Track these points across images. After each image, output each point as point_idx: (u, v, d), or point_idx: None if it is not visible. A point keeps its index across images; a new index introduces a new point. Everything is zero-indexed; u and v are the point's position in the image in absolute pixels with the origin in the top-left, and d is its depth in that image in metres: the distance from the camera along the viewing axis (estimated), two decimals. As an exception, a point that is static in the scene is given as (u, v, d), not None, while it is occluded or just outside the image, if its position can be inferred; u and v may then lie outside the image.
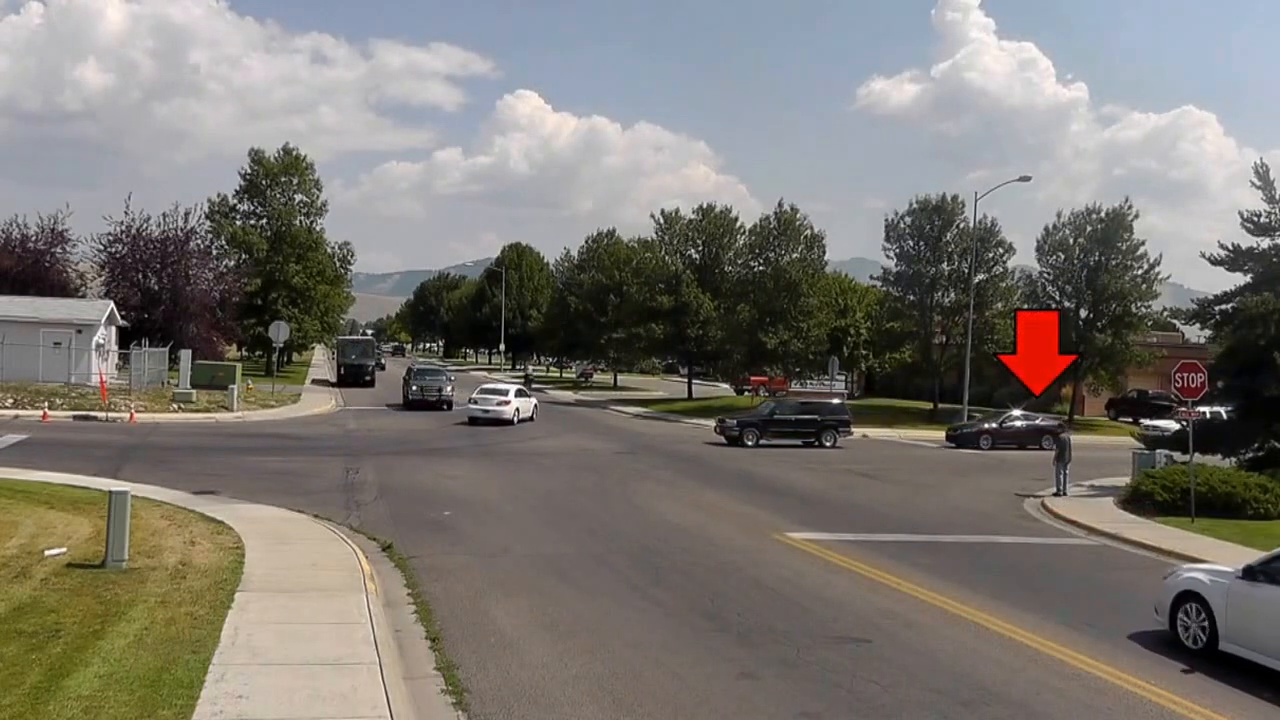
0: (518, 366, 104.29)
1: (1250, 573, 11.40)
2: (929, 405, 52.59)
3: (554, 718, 8.81)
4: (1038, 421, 41.15)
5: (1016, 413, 41.95)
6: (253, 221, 70.00)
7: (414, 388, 45.22)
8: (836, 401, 40.95)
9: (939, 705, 9.53)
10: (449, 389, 46.14)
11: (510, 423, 38.82)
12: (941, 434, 43.75)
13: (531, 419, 41.24)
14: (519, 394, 41.91)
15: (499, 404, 39.41)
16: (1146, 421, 44.28)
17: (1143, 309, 52.30)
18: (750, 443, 35.81)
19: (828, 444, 36.72)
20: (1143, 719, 9.62)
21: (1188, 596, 11.93)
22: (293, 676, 8.85)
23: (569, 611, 12.27)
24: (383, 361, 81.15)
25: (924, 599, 13.80)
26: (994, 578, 15.48)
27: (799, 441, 36.61)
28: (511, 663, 10.17)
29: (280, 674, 8.90)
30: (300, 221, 71.25)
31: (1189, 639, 11.75)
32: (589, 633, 11.40)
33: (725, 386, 68.56)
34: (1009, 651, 11.50)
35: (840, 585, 14.49)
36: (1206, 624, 11.53)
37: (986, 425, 40.62)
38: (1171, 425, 40.98)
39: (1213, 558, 17.66)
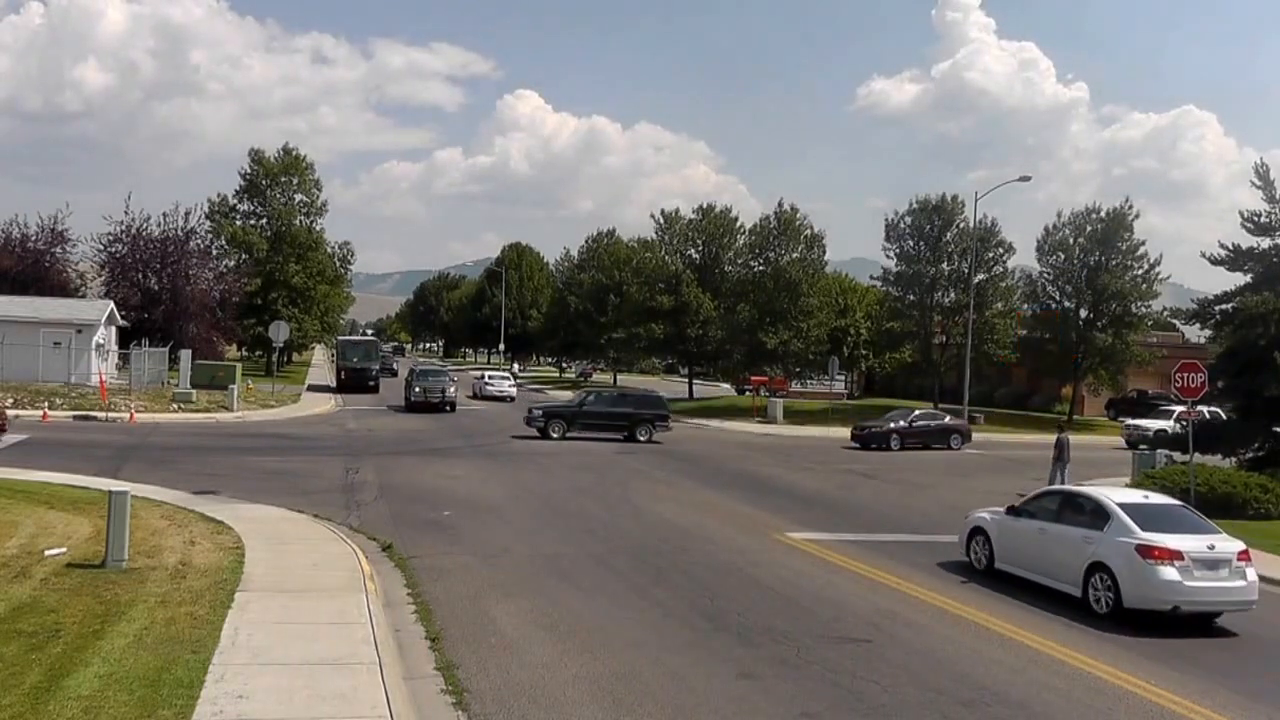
0: (518, 366, 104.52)
1: (1013, 510, 15.58)
2: (929, 405, 52.57)
3: (554, 718, 8.80)
4: (945, 420, 39.62)
5: (918, 411, 40.32)
6: (253, 221, 70.04)
7: (416, 389, 44.36)
8: (654, 395, 38.80)
9: (939, 705, 9.52)
10: (452, 390, 45.48)
11: (513, 399, 53.71)
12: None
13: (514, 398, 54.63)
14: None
15: (509, 385, 57.12)
16: (1129, 421, 44.12)
17: (1143, 309, 52.34)
18: (556, 435, 33.69)
19: (642, 438, 34.38)
20: (1143, 718, 9.63)
21: (976, 532, 15.99)
22: (293, 676, 8.85)
23: (569, 611, 12.26)
24: (394, 365, 76.99)
25: (924, 599, 13.81)
26: (993, 577, 15.46)
27: (612, 435, 34.37)
28: (511, 663, 10.16)
29: (280, 674, 8.89)
30: (300, 221, 71.29)
31: (976, 562, 15.90)
32: (589, 633, 11.40)
33: (726, 386, 68.64)
34: (1009, 651, 11.50)
35: (840, 585, 14.49)
36: (988, 550, 15.65)
37: (896, 424, 38.53)
38: (1154, 424, 41.18)
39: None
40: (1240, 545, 13.50)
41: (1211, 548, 13.12)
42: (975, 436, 43.25)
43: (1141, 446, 39.50)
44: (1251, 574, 13.21)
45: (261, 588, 11.90)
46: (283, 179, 70.63)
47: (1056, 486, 16.47)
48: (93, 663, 8.85)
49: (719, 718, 9.03)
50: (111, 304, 45.58)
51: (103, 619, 10.22)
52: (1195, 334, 49.17)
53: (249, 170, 70.46)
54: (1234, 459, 26.26)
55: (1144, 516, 13.57)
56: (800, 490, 25.20)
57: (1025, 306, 54.53)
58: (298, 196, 71.54)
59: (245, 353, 73.04)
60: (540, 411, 35.22)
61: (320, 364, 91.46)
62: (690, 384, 64.25)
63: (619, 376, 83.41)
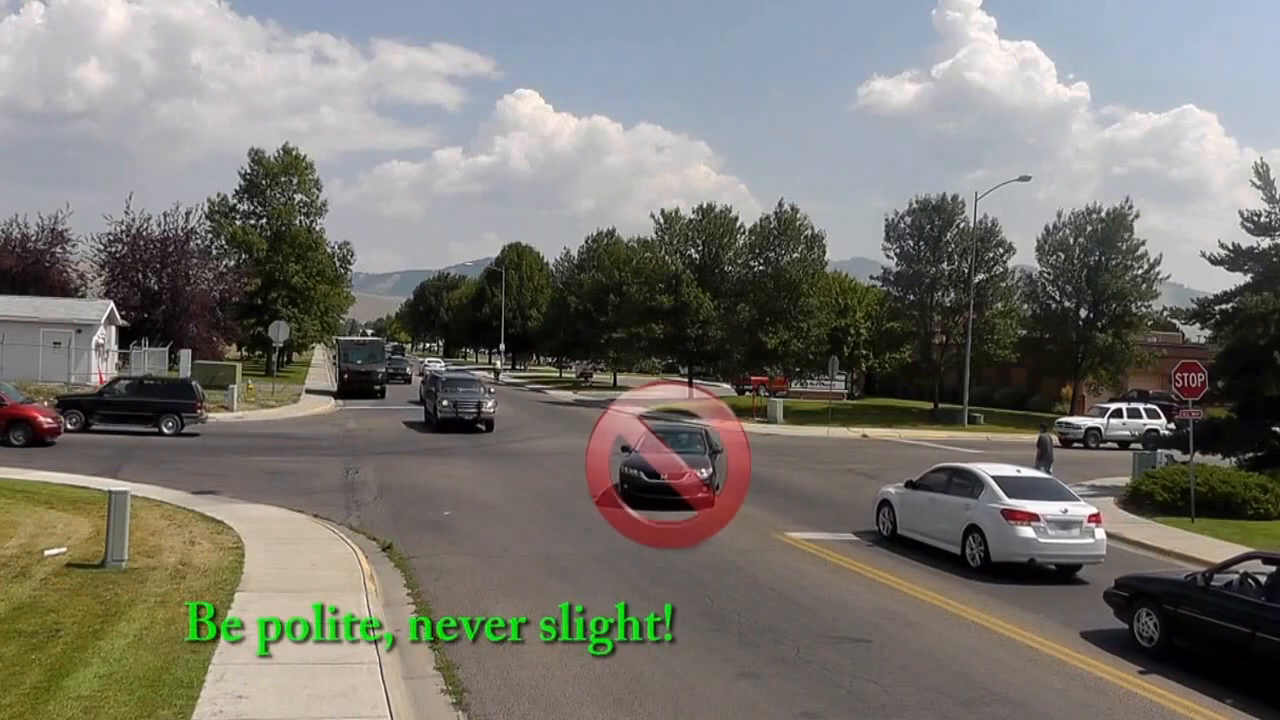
0: (518, 366, 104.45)
1: (911, 484, 17.89)
2: (929, 405, 52.61)
3: (554, 718, 8.81)
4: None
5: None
6: (252, 221, 69.93)
7: (444, 402, 35.81)
8: (184, 382, 34.50)
9: (939, 705, 9.53)
10: (490, 404, 36.41)
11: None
12: (943, 434, 43.59)
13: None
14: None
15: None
16: (1061, 419, 43.52)
17: (1143, 309, 52.40)
18: (73, 426, 29.10)
19: (168, 430, 30.22)
20: (1143, 719, 9.63)
21: (884, 504, 18.41)
22: (293, 676, 8.85)
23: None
24: (406, 369, 71.62)
25: (924, 599, 13.82)
26: (993, 578, 15.47)
27: (138, 427, 30.31)
28: (511, 663, 10.16)
29: (280, 674, 8.90)
30: (300, 221, 71.20)
31: (883, 529, 18.32)
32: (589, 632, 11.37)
33: (726, 386, 68.56)
34: (1009, 651, 11.50)
35: (840, 585, 14.50)
36: (892, 519, 18.05)
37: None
38: (1085, 422, 41.53)
39: (1213, 557, 17.67)
40: (1092, 509, 15.77)
41: (1065, 511, 15.38)
42: (975, 436, 43.33)
43: (1075, 444, 39.79)
44: (1100, 534, 15.56)
45: (261, 588, 11.90)
46: (283, 179, 70.53)
47: (946, 463, 18.58)
48: (93, 663, 8.85)
49: (719, 717, 9.03)
50: (111, 304, 45.56)
51: (103, 619, 10.23)
52: (1195, 334, 49.16)
53: (249, 170, 70.38)
54: (1234, 459, 26.24)
55: (1012, 486, 15.90)
56: (800, 490, 25.18)
57: (1025, 306, 54.53)
58: (297, 196, 71.45)
59: (245, 353, 72.94)
60: (58, 400, 31.37)
61: (320, 364, 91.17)
62: (690, 384, 64.22)
63: (619, 376, 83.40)
